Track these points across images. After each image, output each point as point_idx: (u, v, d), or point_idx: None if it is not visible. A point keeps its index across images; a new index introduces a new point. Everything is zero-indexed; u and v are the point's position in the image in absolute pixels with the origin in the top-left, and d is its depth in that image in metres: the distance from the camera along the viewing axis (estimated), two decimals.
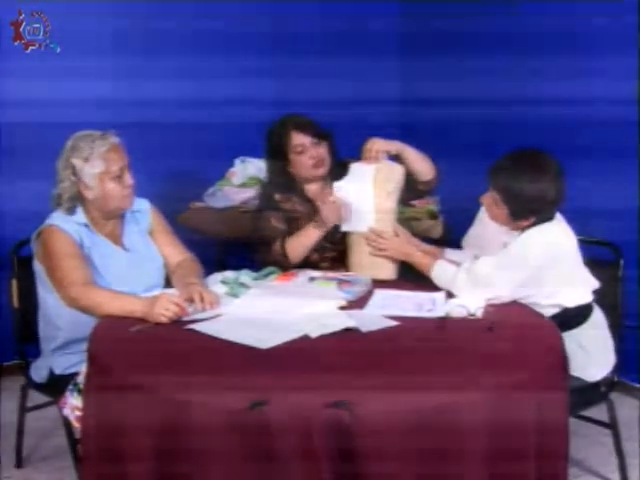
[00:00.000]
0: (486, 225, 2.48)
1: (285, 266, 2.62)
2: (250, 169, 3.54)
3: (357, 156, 2.66)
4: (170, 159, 3.64)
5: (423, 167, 2.67)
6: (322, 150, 2.72)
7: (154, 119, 3.57)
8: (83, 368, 2.04)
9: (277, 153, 2.74)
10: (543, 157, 2.30)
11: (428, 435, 1.60)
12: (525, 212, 2.29)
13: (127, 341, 2.00)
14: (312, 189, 2.79)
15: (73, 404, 2.13)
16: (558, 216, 2.35)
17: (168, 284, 2.44)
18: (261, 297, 2.33)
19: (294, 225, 2.73)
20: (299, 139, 2.70)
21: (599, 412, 2.55)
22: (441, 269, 2.41)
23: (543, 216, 2.30)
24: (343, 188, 2.64)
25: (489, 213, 2.39)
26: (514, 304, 2.29)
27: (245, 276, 2.45)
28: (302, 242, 2.65)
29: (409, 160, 2.63)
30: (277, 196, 2.78)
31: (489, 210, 2.38)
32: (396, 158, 2.64)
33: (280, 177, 2.77)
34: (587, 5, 3.16)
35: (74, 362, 2.32)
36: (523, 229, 2.32)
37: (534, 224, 2.30)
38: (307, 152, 2.70)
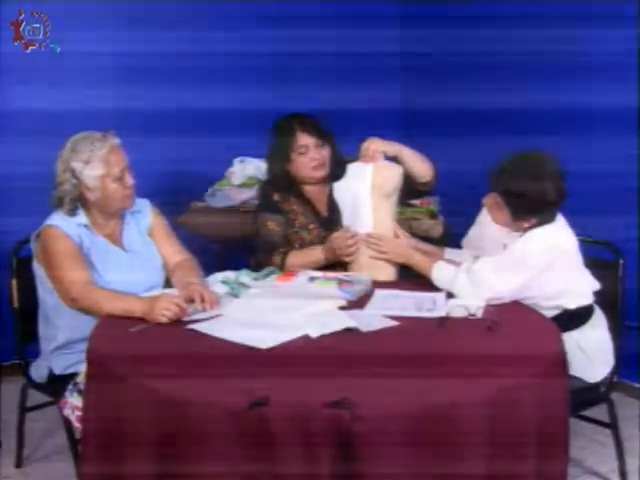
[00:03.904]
0: (487, 226, 2.49)
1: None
2: (249, 169, 3.53)
3: (355, 155, 2.67)
4: (170, 159, 3.64)
5: (422, 168, 2.66)
6: (324, 152, 2.72)
7: (154, 119, 3.59)
8: (83, 368, 2.04)
9: (279, 151, 2.73)
10: (544, 158, 2.30)
11: (428, 435, 1.59)
12: (526, 213, 2.29)
13: (127, 341, 2.00)
14: (311, 190, 2.79)
15: (73, 404, 2.13)
16: (559, 217, 2.35)
17: (168, 284, 2.44)
18: (261, 297, 2.33)
19: (292, 227, 2.73)
20: (304, 140, 2.70)
21: (599, 412, 2.55)
22: (440, 270, 2.41)
23: (544, 217, 2.30)
24: (342, 189, 2.64)
25: (491, 214, 2.39)
26: (514, 304, 2.29)
27: (245, 276, 2.45)
28: (305, 263, 2.62)
29: (407, 162, 2.62)
30: (276, 196, 2.77)
31: (491, 211, 2.38)
32: (394, 159, 2.64)
33: (280, 176, 2.77)
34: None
35: (73, 362, 2.33)
36: (524, 230, 2.32)
37: (535, 225, 2.31)
38: (309, 153, 2.70)
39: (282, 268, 2.62)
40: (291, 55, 3.89)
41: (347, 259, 2.58)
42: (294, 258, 2.65)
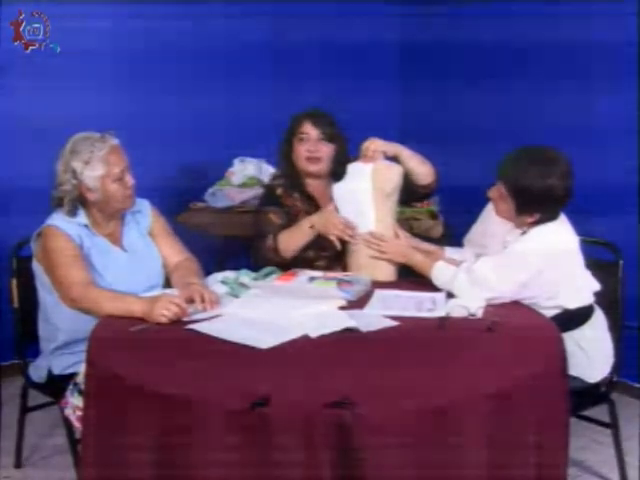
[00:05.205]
0: (490, 223, 2.48)
1: (278, 262, 2.61)
2: (249, 169, 3.54)
3: (355, 155, 2.67)
4: (170, 159, 3.65)
5: (422, 170, 2.65)
6: (325, 149, 2.71)
7: (154, 119, 3.59)
8: (82, 368, 2.04)
9: (285, 138, 2.76)
10: (553, 153, 2.29)
11: (428, 435, 1.60)
12: (530, 207, 2.28)
13: (127, 341, 2.00)
14: (314, 186, 2.79)
15: (74, 404, 2.13)
16: (562, 216, 2.34)
17: (168, 284, 2.45)
18: (261, 297, 2.33)
19: (293, 222, 2.72)
20: (306, 128, 2.71)
21: (599, 412, 2.55)
22: (440, 270, 2.41)
23: (548, 214, 2.29)
24: (342, 189, 2.64)
25: (495, 207, 2.39)
26: (515, 304, 2.29)
27: (245, 276, 2.45)
28: (294, 240, 2.64)
29: (407, 162, 2.62)
30: (279, 191, 2.78)
31: (495, 204, 2.37)
32: (394, 159, 2.63)
33: (285, 169, 2.78)
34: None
35: (72, 362, 2.33)
36: (527, 226, 2.32)
37: (538, 221, 2.30)
38: (307, 143, 2.70)
39: (276, 250, 2.63)
40: (291, 54, 3.90)
41: (330, 237, 2.58)
42: (284, 236, 2.66)
